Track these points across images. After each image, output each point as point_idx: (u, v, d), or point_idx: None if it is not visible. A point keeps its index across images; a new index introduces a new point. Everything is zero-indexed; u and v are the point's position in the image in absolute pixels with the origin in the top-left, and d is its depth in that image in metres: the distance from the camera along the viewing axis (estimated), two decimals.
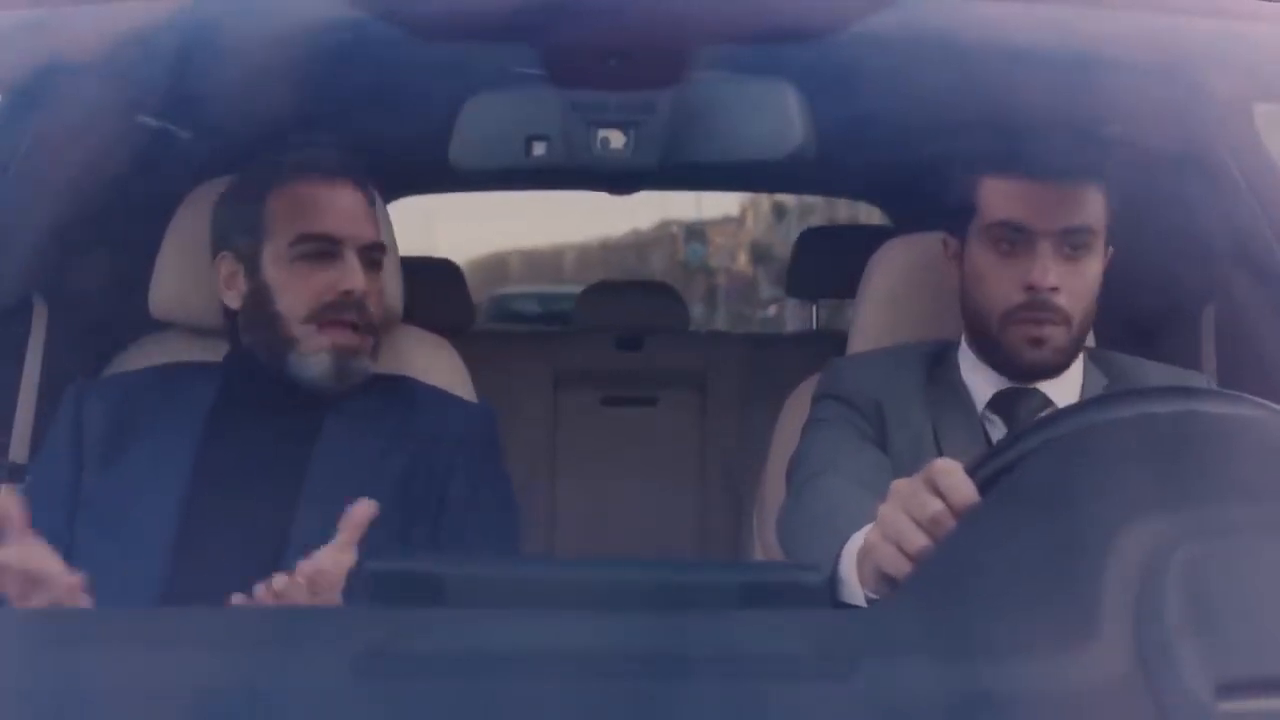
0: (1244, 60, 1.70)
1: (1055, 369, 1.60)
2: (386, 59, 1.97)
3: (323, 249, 1.61)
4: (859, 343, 1.84)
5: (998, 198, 1.58)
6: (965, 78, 1.84)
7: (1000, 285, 1.57)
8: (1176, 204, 2.02)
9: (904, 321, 1.82)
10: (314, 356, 1.60)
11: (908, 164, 2.61)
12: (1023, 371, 1.60)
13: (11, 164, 1.91)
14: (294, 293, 1.61)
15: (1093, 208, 1.57)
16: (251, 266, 1.64)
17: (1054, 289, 1.53)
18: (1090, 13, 1.60)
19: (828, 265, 3.01)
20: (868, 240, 2.07)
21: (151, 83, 1.91)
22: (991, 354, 1.62)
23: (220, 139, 2.21)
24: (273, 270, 1.62)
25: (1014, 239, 1.56)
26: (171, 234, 1.79)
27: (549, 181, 3.40)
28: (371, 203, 1.68)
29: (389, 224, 1.81)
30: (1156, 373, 1.66)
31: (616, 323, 3.15)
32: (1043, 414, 1.51)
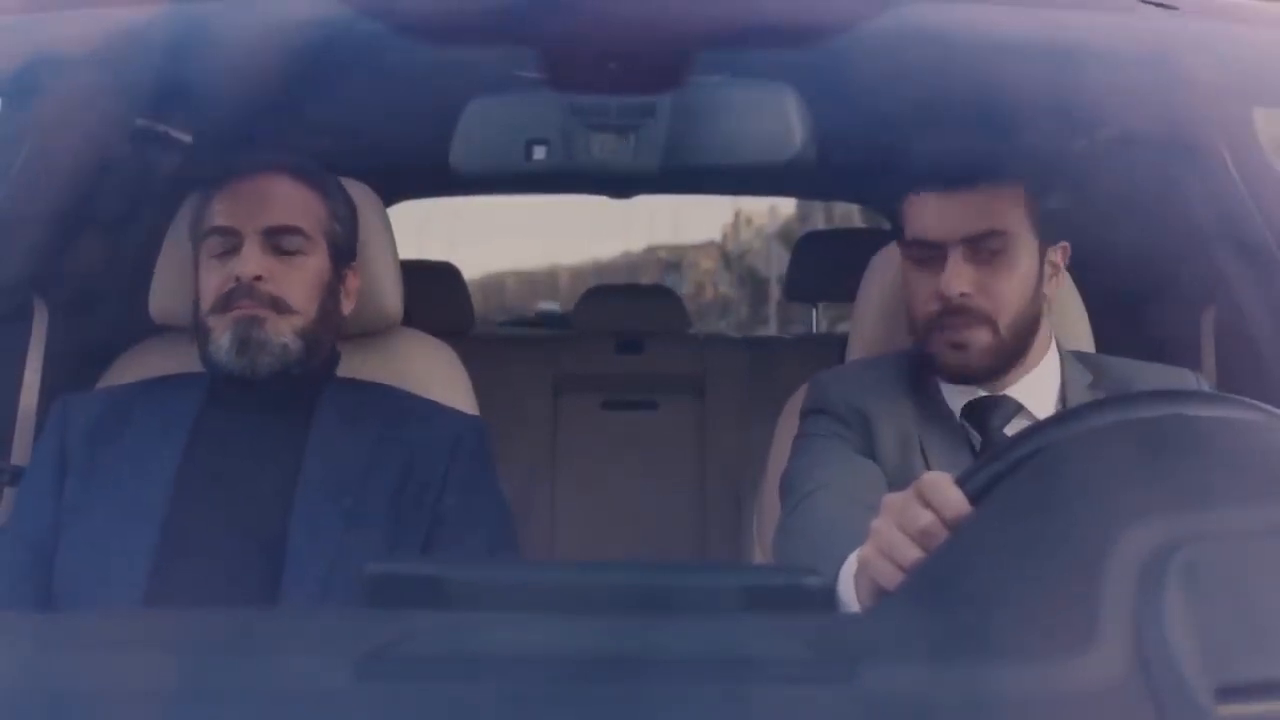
0: (1243, 63, 1.71)
1: (988, 371, 1.61)
2: (387, 63, 1.97)
3: (227, 244, 1.63)
4: (858, 346, 1.84)
5: (913, 214, 1.62)
6: (966, 82, 1.84)
7: (919, 297, 1.62)
8: (1176, 206, 2.02)
9: (903, 325, 1.81)
10: (218, 341, 1.61)
11: (907, 168, 2.61)
12: (954, 378, 1.62)
13: (12, 167, 1.91)
14: (204, 288, 1.64)
15: (1003, 210, 1.59)
16: (196, 268, 1.68)
17: (964, 294, 1.57)
18: (1091, 17, 1.60)
19: (827, 269, 3.01)
20: (867, 244, 2.07)
21: (152, 87, 1.92)
22: (929, 365, 1.64)
23: (222, 142, 2.21)
24: (200, 270, 1.66)
25: (925, 254, 1.60)
26: (171, 237, 1.79)
27: (549, 185, 3.40)
28: (324, 195, 1.68)
29: (387, 223, 1.81)
30: (1141, 371, 1.67)
31: (616, 326, 3.15)
32: (1031, 424, 1.52)
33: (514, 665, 0.89)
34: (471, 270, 3.22)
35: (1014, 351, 1.61)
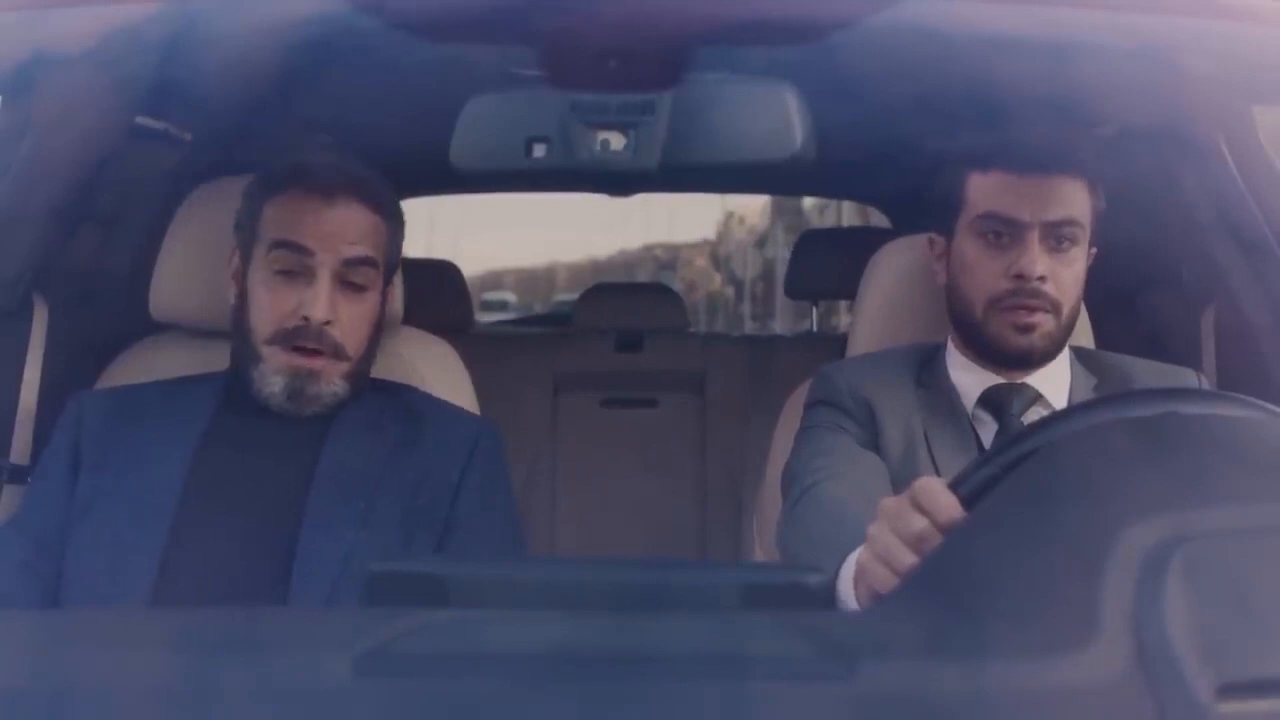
0: (1244, 61, 1.71)
1: (1042, 357, 1.62)
2: (386, 60, 1.97)
3: (296, 263, 1.58)
4: (858, 344, 1.84)
5: (987, 190, 1.62)
6: (966, 78, 1.84)
7: (987, 274, 1.61)
8: (1176, 204, 2.02)
9: (903, 323, 1.82)
10: (272, 376, 1.59)
11: (908, 165, 2.61)
12: (1009, 360, 1.62)
13: (11, 165, 1.91)
14: (263, 309, 1.60)
15: (1079, 202, 1.60)
16: (244, 268, 1.64)
17: (1042, 278, 1.57)
18: (1092, 14, 1.60)
19: (827, 267, 3.01)
20: (867, 242, 2.07)
21: (152, 83, 1.91)
22: (977, 345, 1.63)
23: (221, 140, 2.21)
24: (255, 277, 1.61)
25: (1002, 230, 1.60)
26: (172, 235, 1.79)
27: (549, 183, 3.39)
28: (388, 218, 1.65)
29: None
30: (1144, 370, 1.67)
31: (616, 324, 3.15)
32: (1028, 423, 1.53)
33: (513, 662, 0.89)
34: (471, 267, 3.22)
35: (1062, 343, 1.63)
